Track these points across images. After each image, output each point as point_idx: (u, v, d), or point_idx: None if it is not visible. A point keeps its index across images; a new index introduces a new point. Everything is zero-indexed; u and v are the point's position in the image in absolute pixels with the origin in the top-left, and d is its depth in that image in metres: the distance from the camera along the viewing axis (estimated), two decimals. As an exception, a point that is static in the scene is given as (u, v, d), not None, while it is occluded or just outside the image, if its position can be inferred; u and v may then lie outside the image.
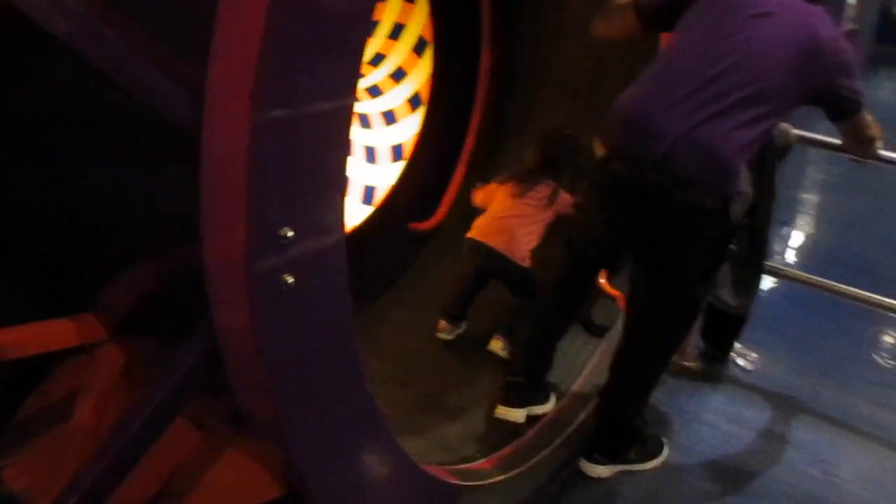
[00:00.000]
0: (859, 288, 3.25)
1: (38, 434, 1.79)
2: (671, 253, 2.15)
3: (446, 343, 2.94)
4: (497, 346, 2.89)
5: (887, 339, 3.48)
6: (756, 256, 2.88)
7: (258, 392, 1.25)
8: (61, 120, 1.51)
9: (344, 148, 1.20)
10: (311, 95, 1.10)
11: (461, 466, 2.06)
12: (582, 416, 2.54)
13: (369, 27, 1.24)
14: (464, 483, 1.90)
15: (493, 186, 3.00)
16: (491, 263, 2.87)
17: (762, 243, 2.87)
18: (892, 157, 2.62)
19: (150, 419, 1.28)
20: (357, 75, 1.20)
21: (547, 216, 2.88)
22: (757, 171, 2.73)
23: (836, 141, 2.55)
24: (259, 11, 1.01)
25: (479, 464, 2.15)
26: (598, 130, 2.20)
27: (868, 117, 2.26)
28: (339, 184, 1.20)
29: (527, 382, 2.54)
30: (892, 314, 3.40)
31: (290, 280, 1.15)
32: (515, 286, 2.90)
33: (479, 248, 2.86)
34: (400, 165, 3.16)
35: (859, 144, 2.39)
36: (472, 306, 2.99)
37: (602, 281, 2.92)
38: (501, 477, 2.09)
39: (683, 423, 2.84)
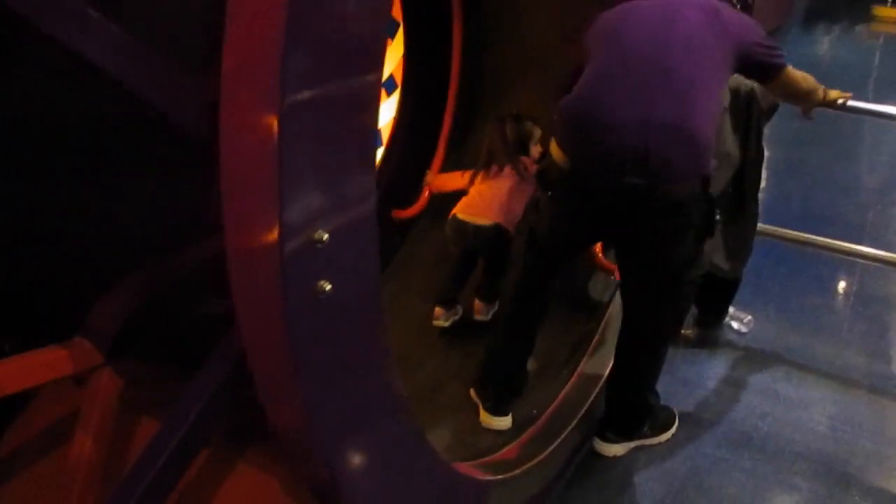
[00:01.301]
0: (838, 240, 3.30)
1: (27, 466, 1.67)
2: (659, 248, 2.09)
3: (443, 330, 2.86)
4: (480, 308, 2.85)
5: (869, 288, 3.52)
6: (748, 219, 2.86)
7: (294, 409, 1.15)
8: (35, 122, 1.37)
9: (374, 132, 1.09)
10: (339, 71, 1.00)
11: (487, 460, 1.98)
12: (593, 395, 2.49)
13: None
14: (492, 478, 1.83)
15: (456, 174, 2.95)
16: (481, 242, 2.79)
17: (754, 205, 2.85)
18: (856, 106, 2.63)
19: (178, 448, 1.16)
20: (384, 45, 1.10)
21: (527, 186, 2.81)
22: (743, 133, 2.70)
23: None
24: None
25: (503, 454, 2.08)
26: (555, 136, 2.09)
27: (796, 72, 2.21)
28: (370, 174, 1.09)
29: (505, 391, 2.40)
30: (871, 262, 3.46)
31: (328, 287, 1.05)
32: (504, 257, 2.84)
33: (466, 228, 2.78)
34: (378, 153, 3.05)
35: (799, 99, 2.34)
36: (466, 289, 2.91)
37: (598, 255, 2.87)
38: (525, 467, 2.02)
39: (688, 392, 2.82)
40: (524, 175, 2.81)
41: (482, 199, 2.82)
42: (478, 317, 2.85)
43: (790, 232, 3.37)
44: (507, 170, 2.82)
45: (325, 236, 1.03)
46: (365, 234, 1.10)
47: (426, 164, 3.17)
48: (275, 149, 0.95)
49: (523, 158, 2.84)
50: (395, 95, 3.02)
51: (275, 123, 0.94)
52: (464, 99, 3.19)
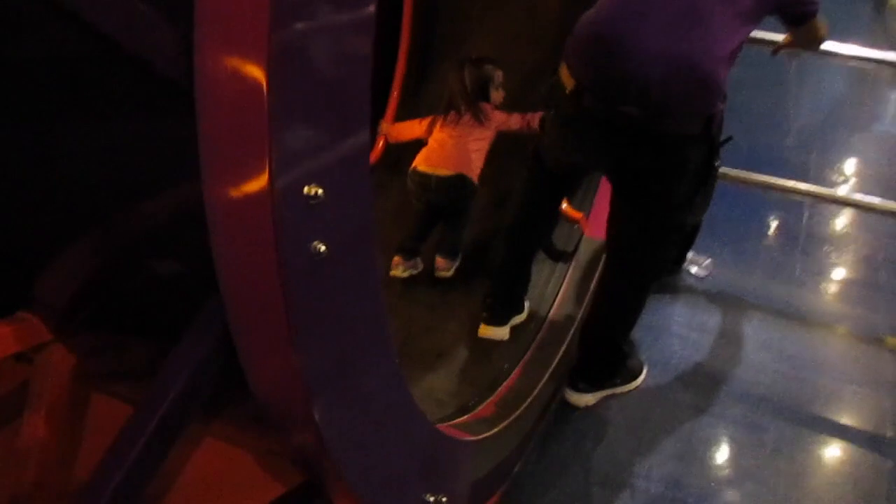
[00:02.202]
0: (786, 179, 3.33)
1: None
2: (654, 186, 2.05)
3: (404, 286, 2.76)
4: (441, 266, 2.76)
5: (817, 228, 3.58)
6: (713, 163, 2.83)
7: (285, 375, 1.04)
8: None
9: (369, 74, 0.97)
10: (333, 6, 0.87)
11: (468, 419, 1.92)
12: (563, 346, 2.45)
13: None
14: (477, 437, 1.77)
15: (414, 123, 2.85)
16: (444, 194, 2.69)
17: (715, 151, 2.81)
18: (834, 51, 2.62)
19: (158, 430, 1.04)
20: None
21: (489, 134, 2.74)
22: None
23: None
24: None
25: (478, 412, 2.02)
26: (564, 57, 2.03)
27: (819, 20, 2.19)
28: (366, 123, 0.97)
29: (507, 299, 2.50)
30: (817, 201, 3.52)
31: (323, 248, 0.93)
32: (462, 210, 2.76)
33: (429, 181, 2.67)
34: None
35: (811, 44, 2.39)
36: (426, 245, 2.81)
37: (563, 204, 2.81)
38: (505, 423, 1.97)
39: (653, 339, 2.81)
40: (483, 122, 2.70)
41: (443, 148, 2.71)
42: (440, 274, 2.75)
43: (743, 173, 3.37)
44: (468, 117, 2.71)
45: (320, 191, 0.90)
46: (361, 189, 0.98)
47: (380, 112, 3.02)
48: (263, 91, 0.82)
49: (483, 105, 2.72)
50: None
51: (263, 61, 0.81)
52: (418, 42, 3.04)
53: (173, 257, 1.24)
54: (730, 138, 2.28)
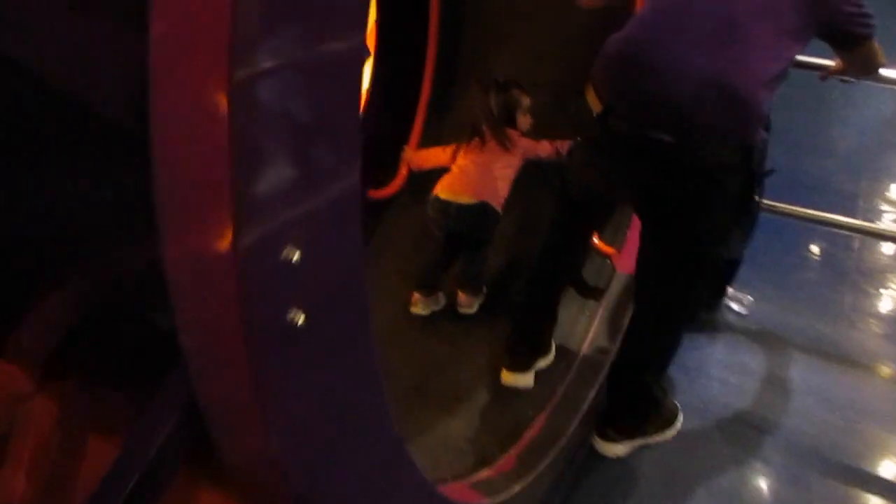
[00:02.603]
0: (829, 211, 3.12)
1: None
2: (687, 217, 1.89)
3: (424, 321, 2.63)
4: (465, 301, 2.62)
5: (869, 261, 3.36)
6: (752, 195, 2.65)
7: (262, 465, 0.91)
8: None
9: (356, 114, 0.84)
10: (311, 33, 0.75)
11: (486, 475, 1.76)
12: (592, 391, 2.29)
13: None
14: (493, 500, 1.61)
15: (438, 150, 2.71)
16: (465, 222, 2.55)
17: (759, 181, 2.64)
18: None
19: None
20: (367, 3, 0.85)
21: (515, 161, 2.59)
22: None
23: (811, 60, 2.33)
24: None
25: (499, 465, 1.87)
26: (592, 79, 1.90)
27: (876, 44, 2.01)
28: (350, 171, 0.84)
29: (531, 341, 2.34)
30: (868, 237, 3.31)
31: (301, 318, 0.81)
32: (484, 240, 2.62)
33: (449, 208, 2.54)
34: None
35: (865, 71, 2.19)
36: (447, 277, 2.68)
37: (594, 238, 2.65)
38: (528, 479, 1.81)
39: (689, 381, 2.63)
40: (509, 148, 2.57)
41: (465, 175, 2.58)
42: (463, 310, 2.61)
43: (785, 206, 3.17)
44: (493, 143, 2.58)
45: (297, 255, 0.78)
46: (347, 248, 0.85)
47: (403, 139, 2.91)
48: (224, 134, 0.70)
49: (509, 131, 2.59)
50: (368, 64, 2.74)
51: (224, 102, 0.69)
52: (443, 66, 2.92)
53: (151, 303, 1.13)
54: (772, 171, 2.12)
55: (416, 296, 2.62)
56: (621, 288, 2.57)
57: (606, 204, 2.26)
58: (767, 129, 2.06)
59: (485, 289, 2.65)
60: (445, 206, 2.55)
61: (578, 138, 2.06)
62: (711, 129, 1.73)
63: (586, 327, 2.50)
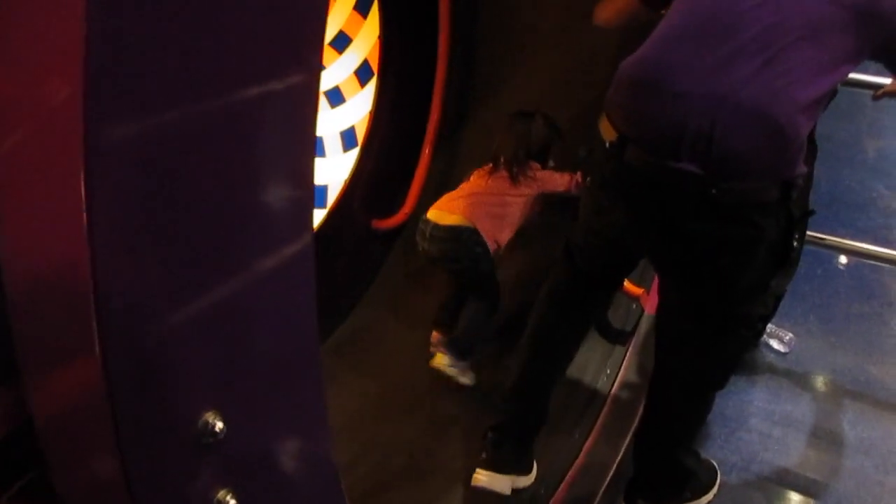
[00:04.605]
0: (874, 233, 2.85)
1: None
2: (716, 266, 1.63)
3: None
4: (442, 362, 2.31)
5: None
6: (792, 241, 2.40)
7: None
8: None
9: (307, 188, 0.62)
10: (205, 81, 0.53)
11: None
12: (620, 453, 2.05)
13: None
14: None
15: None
16: (436, 244, 2.26)
17: (800, 223, 2.38)
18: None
19: None
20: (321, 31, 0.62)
21: (528, 192, 2.33)
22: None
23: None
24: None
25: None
26: (605, 109, 1.66)
27: None
28: (305, 325, 0.62)
29: (516, 440, 2.00)
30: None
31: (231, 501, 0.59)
32: (471, 278, 2.32)
33: (426, 228, 2.27)
34: (353, 154, 2.56)
35: None
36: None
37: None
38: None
39: (728, 434, 2.38)
40: (516, 179, 2.31)
41: (460, 194, 2.32)
42: (453, 377, 2.32)
43: (828, 238, 2.88)
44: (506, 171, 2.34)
45: (220, 425, 0.56)
46: (289, 409, 0.63)
47: (411, 166, 2.69)
48: (87, 271, 0.48)
49: (531, 163, 2.35)
50: (371, 85, 2.53)
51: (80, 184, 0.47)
52: (453, 88, 2.69)
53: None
54: (812, 212, 1.87)
55: (436, 334, 2.37)
56: (652, 332, 2.33)
57: (612, 257, 1.92)
58: (810, 160, 1.81)
59: (472, 354, 2.34)
60: (424, 225, 2.30)
61: (588, 180, 1.82)
62: (744, 161, 1.48)
63: (612, 375, 2.27)
